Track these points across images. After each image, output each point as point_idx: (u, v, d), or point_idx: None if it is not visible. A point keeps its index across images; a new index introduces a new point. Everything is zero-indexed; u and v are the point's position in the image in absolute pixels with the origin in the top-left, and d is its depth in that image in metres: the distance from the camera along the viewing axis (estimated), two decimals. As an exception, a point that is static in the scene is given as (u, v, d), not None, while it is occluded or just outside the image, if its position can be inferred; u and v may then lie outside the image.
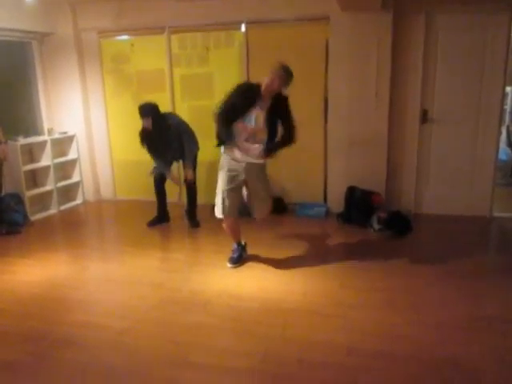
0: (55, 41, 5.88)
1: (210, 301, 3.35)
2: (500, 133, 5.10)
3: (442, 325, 2.94)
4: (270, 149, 3.68)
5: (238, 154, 3.71)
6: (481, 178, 5.10)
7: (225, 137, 3.67)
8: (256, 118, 3.61)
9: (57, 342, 2.86)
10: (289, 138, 3.69)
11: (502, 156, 6.29)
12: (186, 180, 4.95)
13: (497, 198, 5.17)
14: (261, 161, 3.76)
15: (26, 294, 3.57)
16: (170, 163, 5.06)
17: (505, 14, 4.67)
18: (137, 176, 6.02)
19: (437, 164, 5.22)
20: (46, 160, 5.76)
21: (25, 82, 5.96)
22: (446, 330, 2.87)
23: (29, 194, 5.47)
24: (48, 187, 5.81)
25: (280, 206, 5.45)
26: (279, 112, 3.66)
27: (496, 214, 5.16)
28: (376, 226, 4.74)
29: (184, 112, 5.61)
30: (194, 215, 5.10)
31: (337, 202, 5.30)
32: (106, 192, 6.41)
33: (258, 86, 3.59)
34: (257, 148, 3.68)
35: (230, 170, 3.73)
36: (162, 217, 5.21)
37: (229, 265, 3.95)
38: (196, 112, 5.66)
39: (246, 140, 3.66)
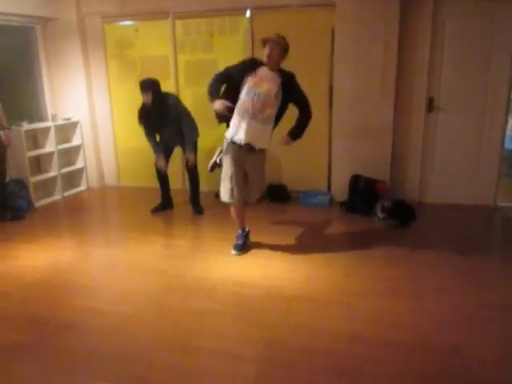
0: (59, 26, 5.84)
1: (213, 287, 3.36)
2: (506, 122, 5.06)
3: (445, 313, 2.94)
4: (296, 133, 3.70)
5: (242, 134, 3.60)
6: (486, 167, 5.08)
7: (209, 90, 3.63)
8: (266, 91, 3.55)
9: (60, 327, 2.88)
10: (308, 115, 3.71)
11: (508, 145, 6.23)
12: (187, 165, 4.93)
13: (501, 188, 5.15)
14: (264, 146, 3.74)
15: (29, 279, 3.58)
16: (171, 150, 5.05)
17: (513, 1, 4.60)
18: (141, 162, 6.01)
19: (442, 153, 5.19)
20: (50, 146, 5.75)
21: (28, 68, 5.93)
22: (449, 319, 2.87)
23: (33, 179, 5.47)
24: (52, 173, 5.81)
25: (283, 194, 5.45)
26: (291, 90, 3.65)
27: (500, 203, 5.14)
28: (380, 214, 4.72)
29: (188, 98, 5.59)
30: (198, 202, 5.10)
31: (341, 191, 5.28)
32: (110, 178, 6.42)
33: (261, 61, 3.63)
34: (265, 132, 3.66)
35: (232, 155, 3.72)
36: (165, 203, 5.21)
37: (234, 252, 3.95)
38: (200, 99, 5.61)
39: (254, 116, 3.55)
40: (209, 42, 5.56)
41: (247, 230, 4.10)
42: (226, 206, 3.95)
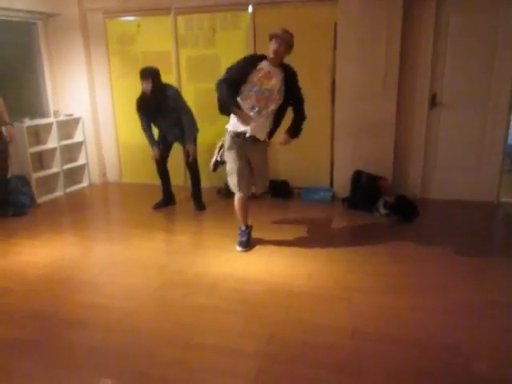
0: (60, 21, 5.83)
1: (215, 283, 3.36)
2: (510, 118, 5.03)
3: (446, 310, 2.93)
4: (294, 131, 3.71)
5: (247, 127, 3.62)
6: (489, 163, 5.06)
7: (227, 98, 3.53)
8: (271, 87, 3.57)
9: (63, 323, 2.89)
10: (302, 115, 3.72)
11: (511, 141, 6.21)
12: (187, 161, 4.93)
13: (504, 184, 5.13)
14: (264, 137, 3.77)
15: (32, 275, 3.59)
16: (170, 145, 5.03)
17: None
18: (143, 159, 6.00)
19: (445, 149, 5.17)
20: (52, 142, 5.76)
21: (30, 64, 5.93)
22: (451, 315, 2.87)
23: (35, 176, 5.48)
24: (54, 169, 5.82)
25: (286, 191, 5.44)
26: (291, 86, 3.66)
27: (503, 199, 5.12)
28: (382, 210, 4.71)
29: (190, 94, 5.57)
30: (200, 198, 5.10)
31: (343, 187, 5.27)
32: (112, 175, 6.42)
33: (260, 55, 3.64)
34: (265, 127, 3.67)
35: (237, 149, 3.73)
36: (167, 200, 5.21)
37: (239, 248, 3.95)
38: (202, 94, 5.62)
39: (259, 111, 3.59)
40: (211, 37, 5.54)
41: (250, 226, 4.11)
42: (227, 201, 3.94)
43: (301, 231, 4.37)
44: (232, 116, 3.69)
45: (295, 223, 4.63)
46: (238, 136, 3.69)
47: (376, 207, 4.79)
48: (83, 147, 6.19)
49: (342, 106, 5.19)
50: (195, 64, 5.69)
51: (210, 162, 4.03)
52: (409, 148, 5.21)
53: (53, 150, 5.77)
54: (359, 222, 4.63)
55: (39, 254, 4.01)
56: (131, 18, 5.83)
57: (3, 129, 4.76)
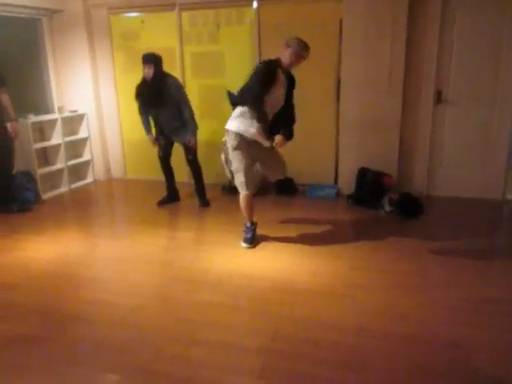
0: (65, 17, 5.83)
1: (219, 280, 3.36)
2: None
3: (450, 307, 2.92)
4: (288, 134, 3.74)
5: (255, 130, 3.70)
6: (494, 160, 5.02)
7: (259, 119, 3.61)
8: (279, 94, 3.68)
9: (67, 318, 2.90)
10: (294, 117, 3.80)
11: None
12: (187, 158, 4.92)
13: (510, 181, 5.09)
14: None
15: (36, 270, 3.60)
16: (171, 143, 4.99)
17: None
18: (147, 155, 5.99)
19: (450, 146, 5.14)
20: (56, 138, 5.76)
21: (35, 60, 5.93)
22: (456, 313, 2.85)
23: (40, 172, 5.49)
24: (59, 165, 5.83)
25: (290, 187, 5.43)
26: (289, 91, 3.76)
27: (509, 196, 5.09)
28: (387, 207, 4.70)
29: (194, 90, 5.57)
30: (204, 194, 5.09)
31: (347, 184, 5.26)
32: (117, 171, 6.43)
33: (276, 62, 3.65)
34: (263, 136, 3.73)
35: (244, 149, 3.74)
36: (171, 196, 5.21)
37: (244, 245, 3.95)
38: (206, 90, 5.62)
39: (268, 116, 3.69)
40: (215, 33, 5.53)
41: (255, 222, 4.10)
42: (232, 198, 3.94)
43: (305, 228, 4.36)
44: (239, 120, 3.71)
45: (300, 220, 4.62)
46: (244, 138, 3.73)
47: (381, 204, 4.77)
48: (88, 143, 6.20)
49: (348, 103, 5.17)
50: (199, 60, 5.68)
51: (227, 173, 4.06)
52: (414, 145, 5.19)
53: (57, 146, 5.78)
54: (364, 219, 4.62)
55: (44, 249, 4.02)
56: (135, 14, 5.82)
57: (8, 125, 4.77)
